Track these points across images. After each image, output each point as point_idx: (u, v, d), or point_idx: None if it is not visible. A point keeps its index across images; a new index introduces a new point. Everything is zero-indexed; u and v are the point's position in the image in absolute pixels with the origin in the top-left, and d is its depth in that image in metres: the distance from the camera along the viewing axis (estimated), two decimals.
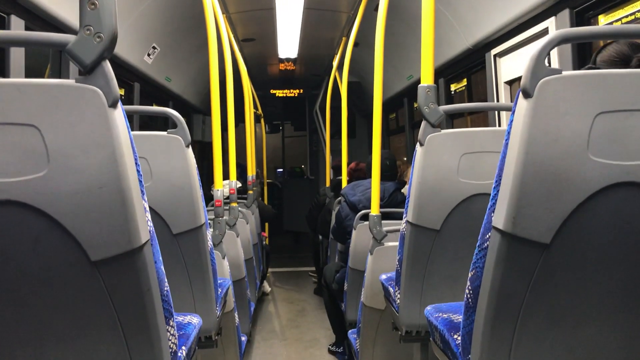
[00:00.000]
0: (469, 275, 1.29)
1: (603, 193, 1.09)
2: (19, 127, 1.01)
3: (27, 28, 2.56)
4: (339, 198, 4.44)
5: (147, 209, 1.15)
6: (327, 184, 6.12)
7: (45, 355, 1.13)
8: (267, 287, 6.10)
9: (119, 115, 1.05)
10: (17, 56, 2.46)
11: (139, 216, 1.08)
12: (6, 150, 1.01)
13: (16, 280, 1.07)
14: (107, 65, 1.04)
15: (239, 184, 5.42)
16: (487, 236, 1.21)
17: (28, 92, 1.02)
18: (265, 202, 8.11)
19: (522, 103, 1.11)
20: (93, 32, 1.02)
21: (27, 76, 2.59)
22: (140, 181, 1.12)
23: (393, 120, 7.15)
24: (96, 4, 1.02)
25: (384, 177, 3.45)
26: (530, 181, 1.09)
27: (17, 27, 2.47)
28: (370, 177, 3.59)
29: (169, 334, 1.24)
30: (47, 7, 2.61)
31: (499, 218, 1.14)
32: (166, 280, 1.24)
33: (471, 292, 1.28)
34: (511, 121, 1.15)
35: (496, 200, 1.17)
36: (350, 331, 3.47)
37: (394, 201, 3.43)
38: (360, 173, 4.86)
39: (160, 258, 1.21)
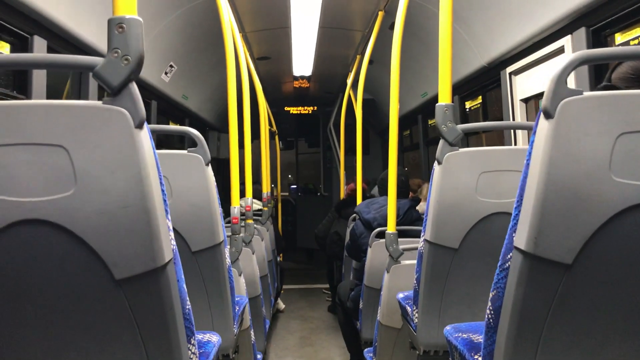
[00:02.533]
0: (490, 295, 1.29)
1: (626, 214, 1.09)
2: (47, 147, 1.04)
3: (49, 48, 2.61)
4: (353, 215, 4.44)
5: (171, 228, 1.17)
6: None
7: None
8: (281, 305, 6.09)
9: (144, 135, 1.07)
10: (39, 77, 2.50)
11: (163, 235, 1.09)
12: (34, 170, 1.03)
13: (42, 297, 1.09)
14: (134, 87, 1.06)
15: (259, 206, 5.44)
16: (509, 256, 1.21)
17: (56, 114, 1.04)
18: (279, 218, 8.12)
19: (543, 124, 1.11)
20: (120, 54, 1.04)
21: (46, 96, 2.63)
22: (164, 201, 1.13)
23: (407, 137, 7.15)
24: (124, 28, 1.04)
25: (398, 194, 3.45)
26: (552, 201, 1.09)
27: (39, 48, 2.52)
28: (383, 194, 3.60)
29: (190, 352, 1.25)
30: (69, 28, 2.66)
31: (521, 238, 1.14)
32: (188, 298, 1.25)
33: (492, 312, 1.28)
34: (532, 141, 1.15)
35: (517, 221, 1.17)
36: (366, 350, 3.45)
37: (408, 218, 3.42)
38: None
39: (183, 276, 1.22)
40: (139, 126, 1.05)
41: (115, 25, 1.04)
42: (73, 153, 1.04)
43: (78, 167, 1.04)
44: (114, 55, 1.04)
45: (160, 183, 1.12)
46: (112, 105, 1.05)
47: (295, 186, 10.49)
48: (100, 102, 1.05)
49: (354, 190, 4.97)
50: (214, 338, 1.67)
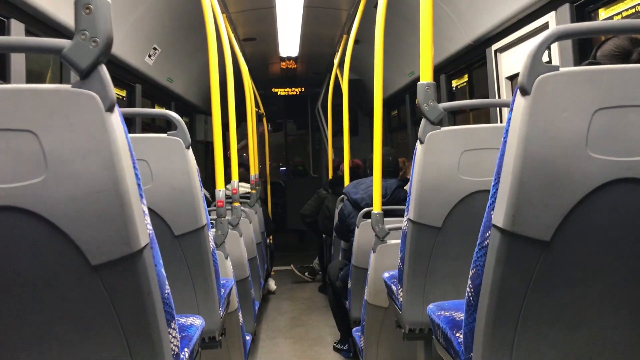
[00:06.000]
0: (470, 273, 1.29)
1: (603, 190, 1.09)
2: (16, 132, 1.01)
3: (27, 32, 2.56)
4: (341, 196, 4.44)
5: (147, 212, 1.15)
6: None
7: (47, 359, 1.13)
8: (272, 285, 6.11)
9: (116, 119, 1.05)
10: (17, 61, 2.46)
11: (138, 220, 1.08)
12: (4, 155, 1.01)
13: (17, 285, 1.08)
14: (104, 70, 1.04)
15: (247, 189, 5.42)
16: (487, 234, 1.21)
17: (24, 98, 1.02)
18: (269, 201, 8.11)
19: (520, 100, 1.10)
20: (88, 36, 1.02)
21: (28, 81, 2.59)
22: (138, 185, 1.12)
23: (395, 117, 7.14)
24: (91, 9, 1.02)
25: (386, 174, 3.44)
26: (529, 179, 1.09)
27: (17, 31, 2.47)
28: (371, 174, 3.59)
29: (170, 336, 1.25)
30: (47, 11, 2.61)
31: (499, 216, 1.14)
32: (167, 282, 1.25)
33: (472, 290, 1.28)
34: (509, 119, 1.14)
35: (495, 199, 1.17)
36: (354, 329, 3.47)
37: (396, 198, 3.42)
38: (358, 170, 4.91)
39: (161, 261, 1.21)
40: (110, 109, 1.03)
41: (82, 6, 1.02)
42: (43, 138, 1.01)
43: (48, 152, 1.02)
44: (82, 37, 1.02)
45: (134, 167, 1.11)
46: (81, 88, 1.02)
47: (284, 168, 10.47)
48: (69, 86, 1.03)
49: (353, 167, 4.95)
50: (197, 321, 1.67)
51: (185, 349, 1.45)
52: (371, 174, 3.68)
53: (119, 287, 1.10)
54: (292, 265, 6.75)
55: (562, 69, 1.09)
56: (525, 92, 1.09)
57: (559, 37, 1.12)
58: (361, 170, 5.20)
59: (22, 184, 1.02)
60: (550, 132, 1.08)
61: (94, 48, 1.02)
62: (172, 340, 1.27)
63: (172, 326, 1.27)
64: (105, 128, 1.02)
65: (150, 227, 1.16)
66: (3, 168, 1.01)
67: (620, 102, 1.08)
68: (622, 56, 1.44)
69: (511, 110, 1.14)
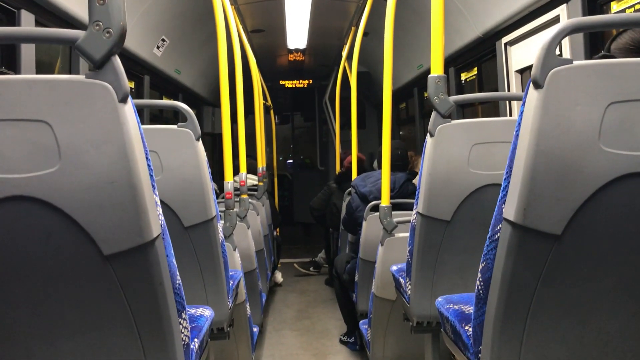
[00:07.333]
0: (480, 266, 1.29)
1: (615, 184, 1.08)
2: (30, 123, 1.02)
3: (37, 23, 2.57)
4: (349, 189, 4.45)
5: (159, 203, 1.16)
6: None
7: (59, 348, 1.14)
8: (279, 278, 6.12)
9: (129, 110, 1.05)
10: (27, 52, 2.47)
11: (150, 210, 1.08)
12: (18, 146, 1.02)
13: (30, 274, 1.09)
14: (117, 61, 1.04)
15: (255, 182, 5.42)
16: (498, 228, 1.21)
17: (38, 88, 1.03)
18: (276, 193, 8.13)
19: (533, 94, 1.10)
20: (102, 27, 1.02)
21: (37, 71, 2.60)
22: (151, 175, 1.12)
23: (403, 110, 7.11)
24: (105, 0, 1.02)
25: (395, 168, 3.44)
26: (541, 172, 1.09)
27: (27, 22, 2.47)
28: (375, 169, 3.60)
29: (181, 326, 1.25)
30: (57, 2, 2.61)
31: (510, 209, 1.14)
32: (178, 273, 1.25)
33: (482, 283, 1.28)
34: (521, 112, 1.14)
35: (507, 192, 1.17)
36: (361, 322, 3.48)
37: (404, 192, 3.42)
38: (362, 164, 4.92)
39: (172, 251, 1.22)
40: (123, 100, 1.04)
41: None
42: (57, 128, 1.02)
43: (62, 143, 1.02)
44: (96, 28, 1.02)
45: (147, 158, 1.11)
46: (95, 79, 1.03)
47: (291, 161, 10.47)
48: (83, 77, 1.03)
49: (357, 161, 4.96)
50: (207, 312, 1.68)
51: (195, 339, 1.46)
52: (376, 169, 3.68)
53: (130, 277, 1.10)
54: (295, 264, 6.75)
55: (575, 62, 1.08)
56: (538, 85, 1.09)
57: (574, 29, 1.11)
58: (365, 164, 5.21)
59: (36, 174, 1.02)
60: (563, 125, 1.08)
61: (107, 39, 1.02)
62: (183, 331, 1.27)
63: (183, 317, 1.27)
64: (119, 119, 1.03)
65: (162, 217, 1.17)
66: (17, 158, 1.02)
67: (634, 95, 1.07)
68: (638, 50, 1.42)
69: (524, 103, 1.13)
